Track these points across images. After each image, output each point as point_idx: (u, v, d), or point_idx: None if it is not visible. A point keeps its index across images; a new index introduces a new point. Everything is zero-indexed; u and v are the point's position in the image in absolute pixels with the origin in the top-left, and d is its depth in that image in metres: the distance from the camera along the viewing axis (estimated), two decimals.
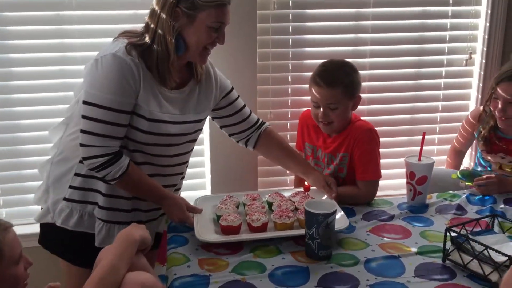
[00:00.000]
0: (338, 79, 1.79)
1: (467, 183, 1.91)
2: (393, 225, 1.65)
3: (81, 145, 1.51)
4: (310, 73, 2.11)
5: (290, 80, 2.19)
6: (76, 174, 1.60)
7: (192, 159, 2.17)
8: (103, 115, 1.47)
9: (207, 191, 2.24)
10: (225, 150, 2.13)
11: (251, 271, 1.38)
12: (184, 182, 2.14)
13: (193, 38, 1.51)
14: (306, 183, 1.78)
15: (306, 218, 1.43)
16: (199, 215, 1.62)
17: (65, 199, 1.62)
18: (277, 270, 1.39)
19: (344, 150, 1.85)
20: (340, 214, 1.58)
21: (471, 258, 1.35)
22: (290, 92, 2.20)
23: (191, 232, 1.58)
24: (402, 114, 2.32)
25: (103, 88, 1.47)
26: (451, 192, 1.92)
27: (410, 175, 1.80)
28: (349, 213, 1.72)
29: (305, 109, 2.04)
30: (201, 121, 1.69)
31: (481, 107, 2.06)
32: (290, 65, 2.17)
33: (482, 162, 2.08)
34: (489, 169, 2.04)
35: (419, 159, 1.81)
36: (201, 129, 1.73)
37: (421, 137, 1.82)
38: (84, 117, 1.49)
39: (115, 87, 1.46)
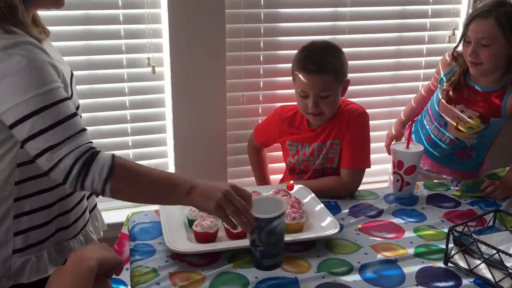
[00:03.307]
0: (329, 62, 1.60)
1: (475, 195, 1.65)
2: (383, 222, 1.50)
3: (49, 170, 1.08)
4: (283, 52, 1.93)
5: (262, 59, 1.97)
6: (17, 216, 1.18)
7: (153, 161, 1.98)
8: (57, 113, 1.07)
9: None
10: (191, 151, 1.92)
11: (232, 286, 1.19)
12: None
13: None
14: (291, 181, 1.58)
15: None
16: (167, 219, 1.41)
17: (16, 251, 1.19)
18: (261, 284, 1.20)
19: (334, 136, 1.68)
20: (329, 218, 1.41)
21: (477, 261, 1.22)
22: (262, 73, 1.99)
23: (157, 239, 1.38)
24: (382, 95, 2.16)
25: (37, 84, 1.06)
26: (436, 181, 1.79)
27: (398, 165, 1.64)
28: (333, 208, 1.56)
29: (277, 92, 1.85)
30: None
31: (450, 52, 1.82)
32: (262, 42, 1.95)
33: (436, 119, 1.82)
34: (442, 129, 1.79)
35: (407, 147, 1.66)
36: None
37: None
38: (34, 135, 1.06)
39: (49, 75, 1.08)
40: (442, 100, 1.79)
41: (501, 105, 1.71)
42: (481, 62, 1.64)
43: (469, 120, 1.73)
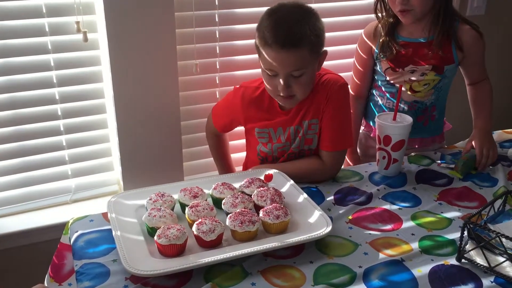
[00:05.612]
0: (303, 35, 1.29)
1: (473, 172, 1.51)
2: (375, 209, 1.31)
3: None
4: (242, 10, 1.64)
5: (217, 19, 1.66)
6: None
7: (93, 148, 1.65)
8: None
9: (116, 187, 1.74)
10: (138, 133, 1.60)
11: None
12: (85, 178, 1.67)
13: None
14: (268, 172, 1.33)
15: None
16: (120, 228, 1.13)
17: None
18: None
19: (312, 116, 1.43)
20: (317, 213, 1.18)
21: (497, 257, 1.05)
22: (218, 36, 1.68)
23: (110, 254, 1.11)
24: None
25: None
26: (418, 154, 1.61)
27: (384, 140, 1.44)
28: (315, 196, 1.34)
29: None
30: None
31: (374, 23, 1.66)
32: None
33: (387, 90, 1.66)
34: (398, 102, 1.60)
35: (394, 119, 1.45)
36: None
37: None
38: None
39: None
40: (388, 69, 1.62)
41: (451, 48, 1.56)
42: (412, 8, 1.50)
43: (422, 77, 1.59)
